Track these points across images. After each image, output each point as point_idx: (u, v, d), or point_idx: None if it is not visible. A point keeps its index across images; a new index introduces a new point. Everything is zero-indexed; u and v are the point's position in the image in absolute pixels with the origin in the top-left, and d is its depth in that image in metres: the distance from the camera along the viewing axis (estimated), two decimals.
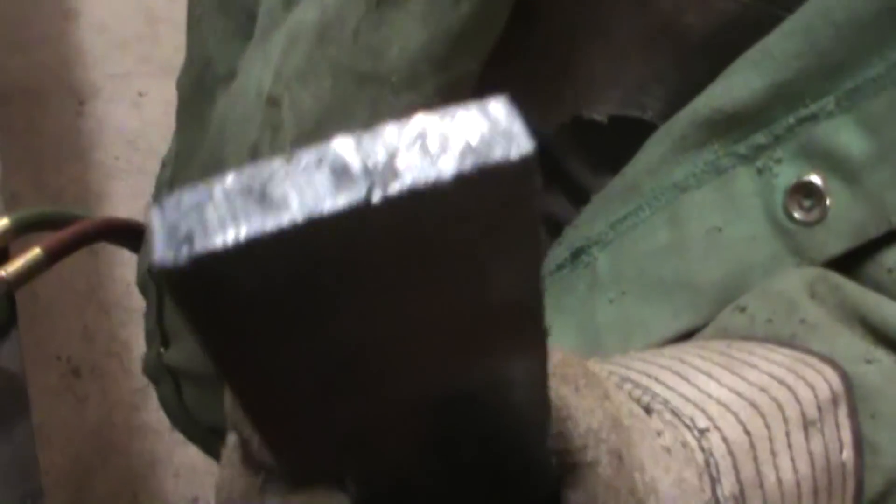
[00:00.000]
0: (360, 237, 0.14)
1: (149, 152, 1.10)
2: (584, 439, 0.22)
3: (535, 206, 0.15)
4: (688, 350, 0.31)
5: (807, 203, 0.34)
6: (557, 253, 0.39)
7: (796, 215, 0.34)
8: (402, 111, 0.38)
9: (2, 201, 0.53)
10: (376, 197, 0.13)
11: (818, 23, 0.33)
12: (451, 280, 0.15)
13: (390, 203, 0.13)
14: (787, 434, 0.28)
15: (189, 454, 1.01)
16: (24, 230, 0.52)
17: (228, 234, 0.13)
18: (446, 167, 0.13)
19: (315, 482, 0.20)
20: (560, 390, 0.22)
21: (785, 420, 0.28)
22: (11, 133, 1.05)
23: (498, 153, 0.13)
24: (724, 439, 0.27)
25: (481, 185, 0.13)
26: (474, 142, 0.13)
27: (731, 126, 0.35)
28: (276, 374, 0.16)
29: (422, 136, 0.14)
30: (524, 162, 0.13)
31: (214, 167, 0.47)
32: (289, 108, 0.41)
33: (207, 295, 0.14)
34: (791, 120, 0.34)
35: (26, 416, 0.48)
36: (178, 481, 1.01)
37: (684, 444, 0.26)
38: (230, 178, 0.13)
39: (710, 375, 0.29)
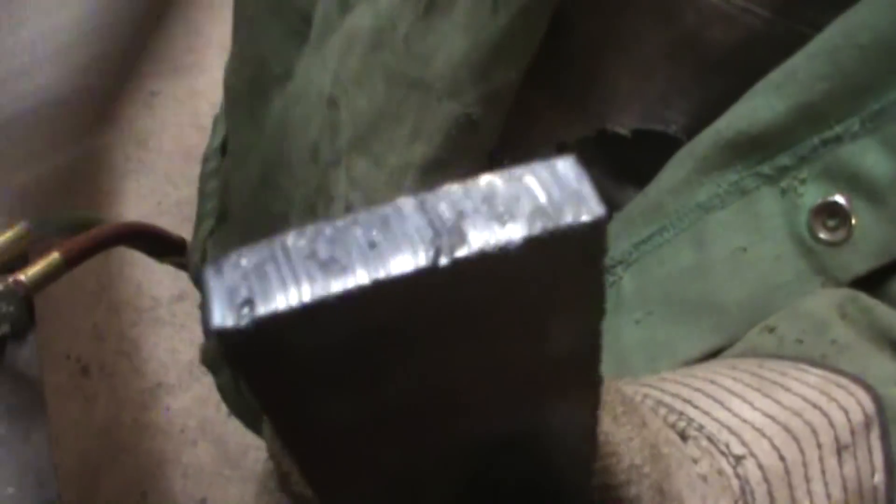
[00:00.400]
0: (425, 300, 0.13)
1: (159, 151, 1.10)
2: (627, 474, 0.22)
3: (601, 266, 0.14)
4: (719, 371, 0.31)
5: (831, 223, 0.34)
6: None
7: (821, 235, 0.34)
8: (445, 118, 0.39)
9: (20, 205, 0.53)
10: (443, 261, 0.13)
11: (843, 44, 0.33)
12: (512, 336, 0.15)
13: (457, 267, 0.13)
14: (821, 459, 0.28)
15: (198, 454, 1.01)
16: (43, 234, 0.52)
17: (291, 297, 0.13)
18: (515, 231, 0.13)
19: None
20: (603, 424, 0.22)
21: (819, 445, 0.28)
22: None
23: (568, 217, 0.13)
24: (760, 466, 0.27)
25: (550, 248, 0.13)
26: (543, 204, 0.13)
27: (755, 147, 0.35)
28: (329, 426, 0.16)
29: (489, 197, 0.13)
30: (594, 225, 0.13)
31: (275, 164, 0.49)
32: (345, 110, 0.43)
33: (266, 357, 0.13)
34: (815, 141, 0.34)
35: (43, 421, 0.48)
36: (187, 481, 1.01)
37: (720, 472, 0.26)
38: (291, 239, 0.13)
39: (743, 398, 0.29)
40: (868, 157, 0.33)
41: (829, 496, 0.28)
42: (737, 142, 0.35)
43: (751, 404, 0.28)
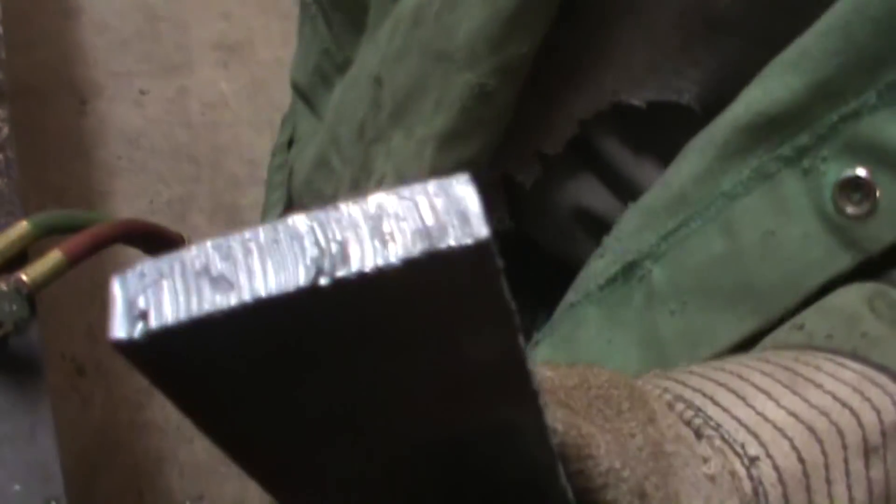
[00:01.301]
0: (310, 317, 0.14)
1: (150, 150, 1.09)
2: (604, 478, 0.22)
3: (497, 285, 0.14)
4: (750, 364, 0.30)
5: (856, 197, 0.34)
6: (602, 266, 0.39)
7: (847, 210, 0.34)
8: (461, 89, 0.41)
9: (20, 204, 0.53)
10: (323, 281, 0.13)
11: (855, 18, 0.33)
12: (417, 349, 0.15)
13: (337, 287, 0.13)
14: (846, 461, 0.27)
15: (194, 452, 1.01)
16: (43, 233, 0.52)
17: (180, 312, 0.13)
18: (395, 253, 0.13)
19: None
20: (583, 427, 0.22)
21: (844, 447, 0.27)
22: (13, 132, 1.05)
23: (450, 239, 0.13)
24: (776, 467, 0.26)
25: (431, 269, 0.13)
26: (428, 225, 0.13)
27: (774, 129, 0.35)
28: (249, 431, 0.16)
29: (377, 218, 0.14)
30: (477, 247, 0.13)
31: (329, 146, 0.52)
32: (387, 86, 0.44)
33: (163, 366, 0.14)
34: (833, 118, 0.34)
35: (48, 419, 0.48)
36: (184, 479, 1.01)
37: (732, 473, 0.26)
38: (189, 255, 0.14)
39: (769, 395, 0.28)
40: (886, 128, 0.33)
41: (851, 499, 0.27)
42: (756, 124, 0.35)
43: (776, 402, 0.28)
